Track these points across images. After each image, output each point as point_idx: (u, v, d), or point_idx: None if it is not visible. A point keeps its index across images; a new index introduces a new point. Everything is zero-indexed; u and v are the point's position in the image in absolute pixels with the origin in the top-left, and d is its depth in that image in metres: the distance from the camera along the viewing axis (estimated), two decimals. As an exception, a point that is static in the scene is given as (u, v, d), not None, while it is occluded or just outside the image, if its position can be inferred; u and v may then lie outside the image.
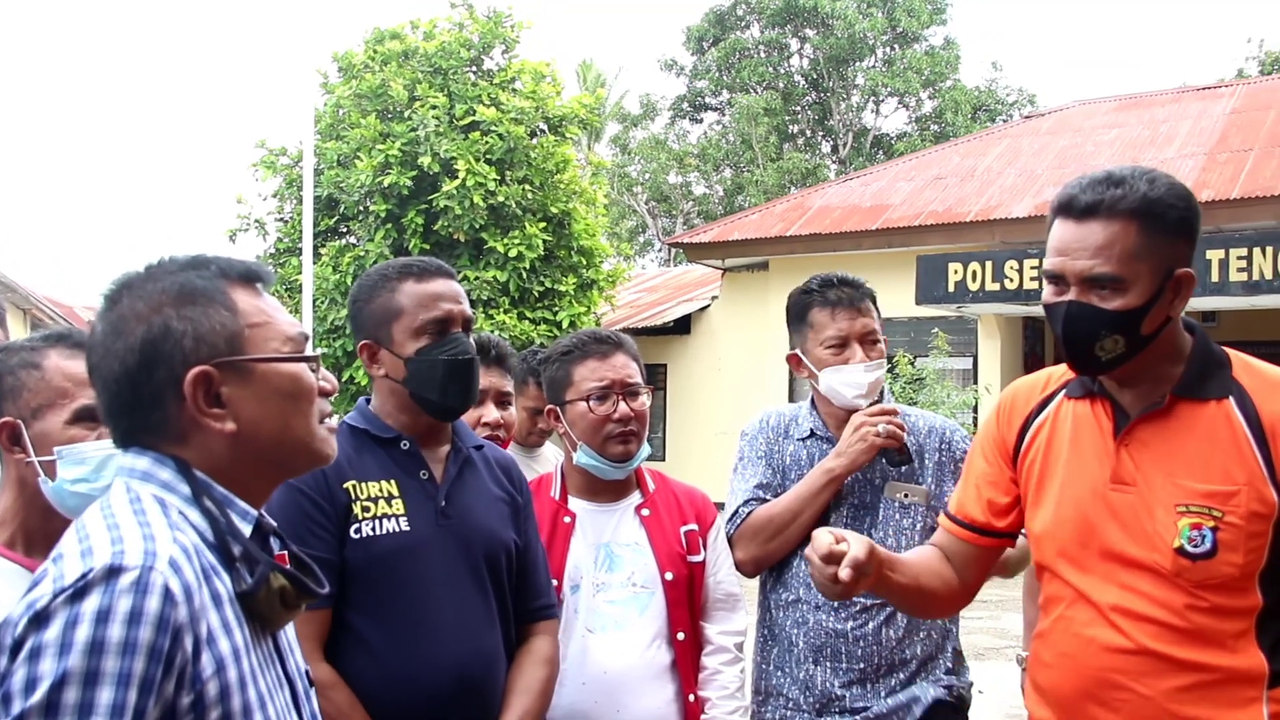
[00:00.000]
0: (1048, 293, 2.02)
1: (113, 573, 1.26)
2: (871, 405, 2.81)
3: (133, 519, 1.35)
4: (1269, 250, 11.96)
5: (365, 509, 2.25)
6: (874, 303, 2.89)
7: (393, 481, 2.30)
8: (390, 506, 2.27)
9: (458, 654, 2.26)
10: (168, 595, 1.27)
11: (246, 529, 1.46)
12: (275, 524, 1.55)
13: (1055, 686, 2.07)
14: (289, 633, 1.56)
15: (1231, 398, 1.95)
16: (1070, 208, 1.96)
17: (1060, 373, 2.20)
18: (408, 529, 2.27)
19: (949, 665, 2.84)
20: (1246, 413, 1.93)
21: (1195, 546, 1.89)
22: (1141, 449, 1.99)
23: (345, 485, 2.25)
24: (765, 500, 2.87)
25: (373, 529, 2.25)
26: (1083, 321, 1.94)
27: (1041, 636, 2.14)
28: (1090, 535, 2.01)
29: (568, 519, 2.72)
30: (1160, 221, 1.92)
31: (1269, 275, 11.95)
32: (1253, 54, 32.27)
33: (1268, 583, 1.91)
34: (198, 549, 1.37)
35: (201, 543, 1.39)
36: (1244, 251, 12.05)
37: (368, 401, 2.44)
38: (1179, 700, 1.91)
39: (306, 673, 1.58)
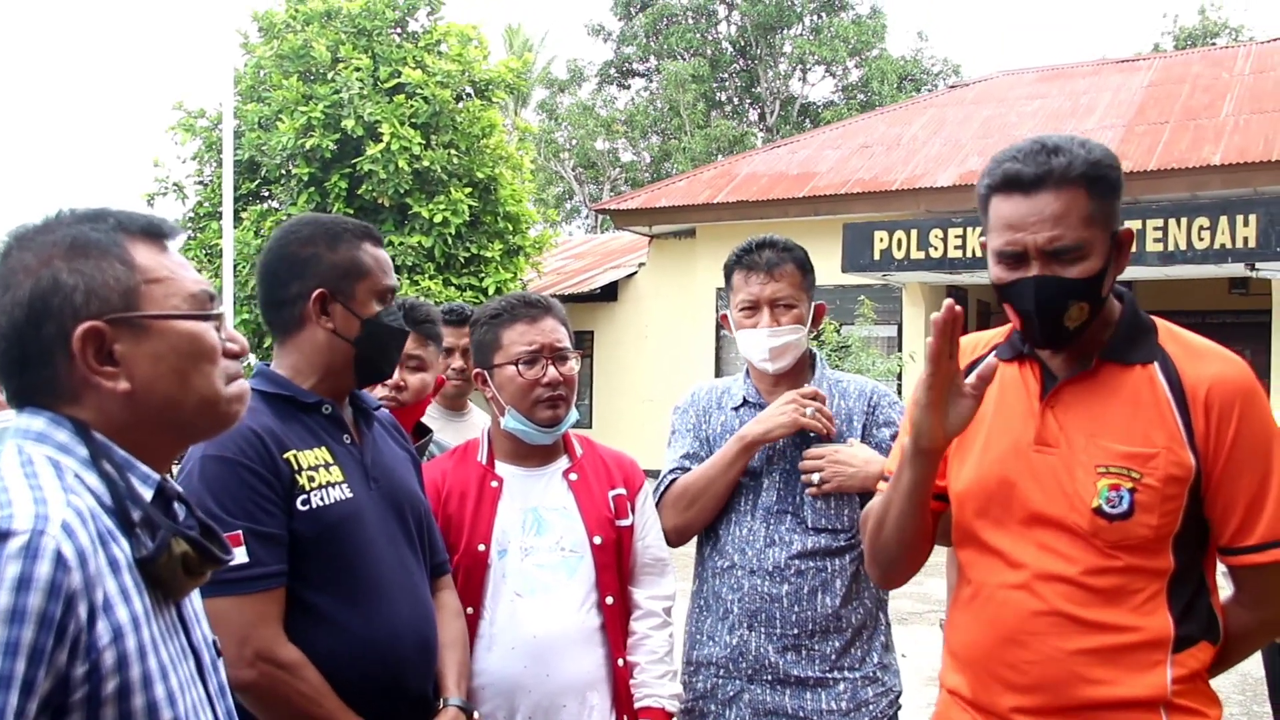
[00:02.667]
0: (999, 271, 2.00)
1: (0, 537, 1.20)
2: (780, 369, 2.85)
3: (23, 481, 1.28)
4: (1183, 221, 12.24)
5: (310, 479, 2.18)
6: (801, 266, 2.88)
7: (324, 448, 2.24)
8: (330, 474, 2.21)
9: (412, 617, 2.25)
10: (59, 560, 1.21)
11: (148, 493, 1.40)
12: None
13: (967, 647, 2.10)
14: (195, 603, 1.51)
15: (1156, 363, 1.98)
16: (1016, 182, 1.95)
17: (988, 337, 2.22)
18: (351, 496, 2.22)
19: (884, 639, 2.87)
20: (1170, 377, 1.96)
21: (1113, 507, 1.92)
22: (1066, 411, 2.01)
23: (285, 456, 2.17)
24: (689, 470, 2.90)
25: (321, 499, 2.17)
26: (1052, 293, 1.94)
27: (957, 601, 2.16)
28: (1010, 495, 2.03)
29: (495, 483, 2.70)
30: (1103, 184, 1.95)
31: (1183, 246, 12.23)
32: (1168, 29, 32.97)
33: (1180, 547, 1.95)
34: (94, 513, 1.31)
35: (99, 507, 1.33)
36: (1160, 222, 12.32)
37: (267, 365, 2.34)
38: (1086, 662, 1.94)
39: (215, 643, 1.54)
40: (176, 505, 1.47)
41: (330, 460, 2.23)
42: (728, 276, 2.93)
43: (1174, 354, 1.99)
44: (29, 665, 1.18)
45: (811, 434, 2.81)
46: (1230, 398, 1.93)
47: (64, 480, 1.32)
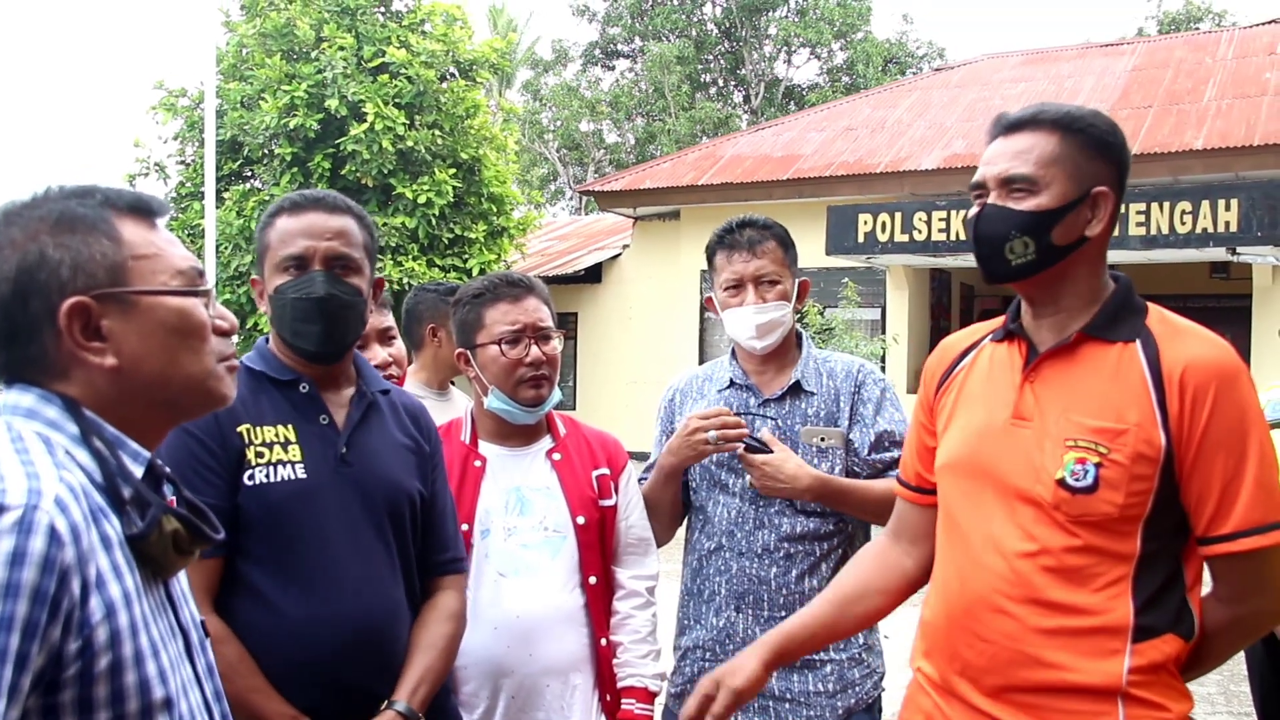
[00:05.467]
0: (971, 212, 2.07)
1: None
2: (768, 347, 2.84)
3: (14, 457, 1.28)
4: (1165, 205, 12.27)
5: (259, 455, 2.16)
6: (782, 243, 2.87)
7: (290, 426, 2.21)
8: (286, 452, 2.18)
9: (357, 607, 2.17)
10: (53, 535, 1.21)
11: (138, 471, 1.40)
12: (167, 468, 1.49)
13: (931, 626, 2.10)
14: (182, 583, 1.50)
15: (1139, 341, 1.96)
16: (998, 126, 2.04)
17: (989, 325, 2.22)
18: (304, 476, 2.18)
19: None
20: (1150, 356, 1.94)
21: (1077, 480, 1.90)
22: (1045, 385, 2.01)
23: (239, 429, 2.16)
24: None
25: (267, 476, 2.15)
26: (993, 221, 1.99)
27: (931, 580, 2.17)
28: (983, 470, 2.03)
29: (478, 463, 2.69)
30: (1080, 135, 1.98)
31: (1165, 230, 12.27)
32: (1152, 13, 33.05)
33: (1151, 533, 1.91)
34: (85, 489, 1.31)
35: (90, 483, 1.33)
36: (1142, 207, 12.35)
37: (266, 341, 2.35)
38: (1042, 643, 1.92)
39: (202, 623, 1.54)
40: (165, 486, 1.47)
41: (292, 439, 2.21)
42: (710, 258, 2.93)
43: (1158, 334, 1.97)
44: (23, 640, 1.18)
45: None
46: (1206, 380, 1.89)
47: (55, 456, 1.32)
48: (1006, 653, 1.95)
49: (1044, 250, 1.97)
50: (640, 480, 2.95)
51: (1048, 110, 2.00)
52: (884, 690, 2.87)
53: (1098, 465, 1.90)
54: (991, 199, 2.00)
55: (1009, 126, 2.02)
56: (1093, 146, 1.99)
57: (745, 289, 2.82)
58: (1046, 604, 1.92)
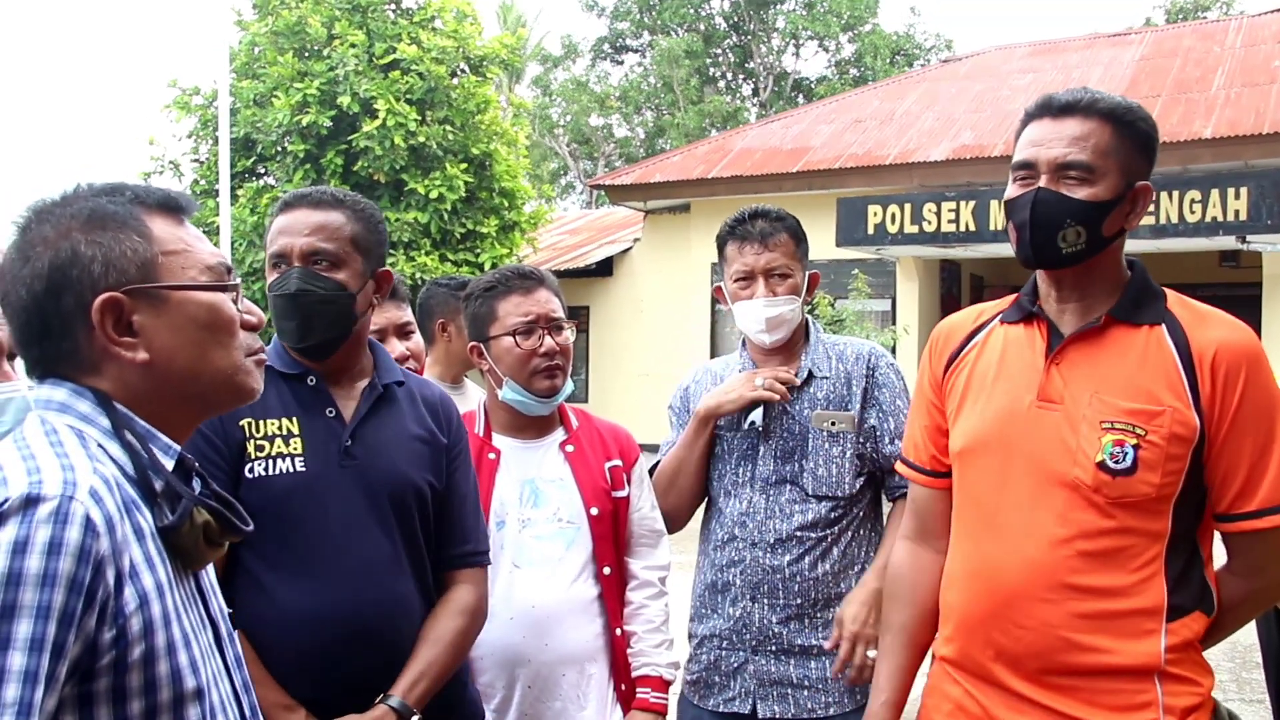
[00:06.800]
0: (1012, 189, 2.07)
1: (30, 502, 1.21)
2: (777, 341, 2.85)
3: (49, 449, 1.30)
4: (1174, 195, 12.24)
5: (260, 448, 2.17)
6: (794, 235, 2.86)
7: (294, 419, 2.22)
8: (287, 445, 2.19)
9: (356, 599, 2.16)
10: (89, 526, 1.23)
11: (169, 464, 1.42)
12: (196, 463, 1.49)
13: (961, 607, 2.11)
14: (209, 574, 1.52)
15: (1164, 325, 2.01)
16: (1047, 108, 2.05)
17: (994, 306, 2.24)
18: (303, 469, 2.18)
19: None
20: (1177, 340, 1.98)
21: (1117, 462, 1.93)
22: (1072, 368, 2.03)
23: (240, 422, 2.16)
24: None
25: (265, 469, 2.16)
26: (1050, 207, 1.99)
27: (953, 556, 2.18)
28: (1009, 453, 2.04)
29: (492, 455, 2.72)
30: (1130, 129, 2.02)
31: (1175, 219, 12.24)
32: (1159, 3, 32.88)
33: (1178, 512, 1.96)
34: (118, 482, 1.33)
35: (122, 476, 1.35)
36: (1151, 196, 12.30)
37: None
38: (1079, 627, 1.95)
39: (230, 615, 1.55)
40: (195, 480, 1.48)
41: (295, 431, 2.21)
42: (721, 248, 2.91)
43: (1182, 318, 2.01)
44: (59, 628, 1.19)
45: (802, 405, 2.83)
46: (1237, 361, 1.94)
47: (88, 449, 1.33)
48: (1046, 639, 1.97)
49: (1093, 240, 2.01)
50: (653, 467, 2.97)
51: (1101, 99, 2.02)
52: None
53: (1136, 447, 1.93)
54: (1044, 183, 2.01)
55: (1060, 109, 2.02)
56: (1138, 142, 2.03)
57: (756, 281, 2.81)
58: (1085, 589, 1.95)
